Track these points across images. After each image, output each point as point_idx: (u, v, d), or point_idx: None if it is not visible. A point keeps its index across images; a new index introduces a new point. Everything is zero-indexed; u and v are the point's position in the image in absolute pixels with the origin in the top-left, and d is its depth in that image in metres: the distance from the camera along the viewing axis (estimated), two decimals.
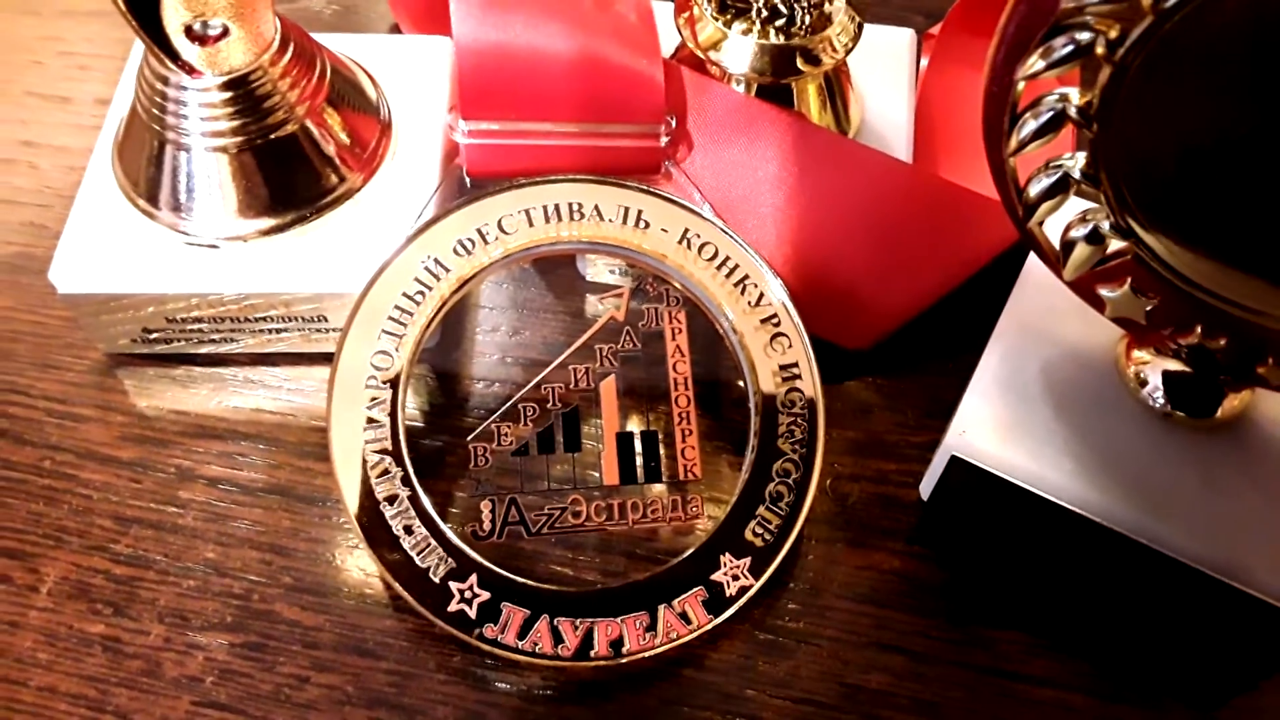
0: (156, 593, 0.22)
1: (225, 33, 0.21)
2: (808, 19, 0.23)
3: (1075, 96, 0.19)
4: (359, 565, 0.22)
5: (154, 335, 0.25)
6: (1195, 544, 0.20)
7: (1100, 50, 0.18)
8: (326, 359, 0.24)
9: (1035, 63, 0.19)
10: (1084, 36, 0.18)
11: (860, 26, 0.24)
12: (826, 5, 0.24)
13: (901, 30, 0.28)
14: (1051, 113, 0.19)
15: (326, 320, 0.24)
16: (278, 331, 0.25)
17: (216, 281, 0.23)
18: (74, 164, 0.28)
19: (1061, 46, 0.18)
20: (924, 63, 0.29)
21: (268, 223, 0.24)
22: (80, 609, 0.22)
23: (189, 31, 0.21)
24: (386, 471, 0.21)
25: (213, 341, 0.25)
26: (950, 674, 0.22)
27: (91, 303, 0.24)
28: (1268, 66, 0.17)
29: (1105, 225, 0.20)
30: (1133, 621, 0.22)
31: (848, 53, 0.24)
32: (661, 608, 0.21)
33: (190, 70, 0.22)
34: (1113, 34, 0.18)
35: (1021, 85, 0.19)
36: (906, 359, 0.25)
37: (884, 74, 0.27)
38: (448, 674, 0.21)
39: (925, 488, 0.23)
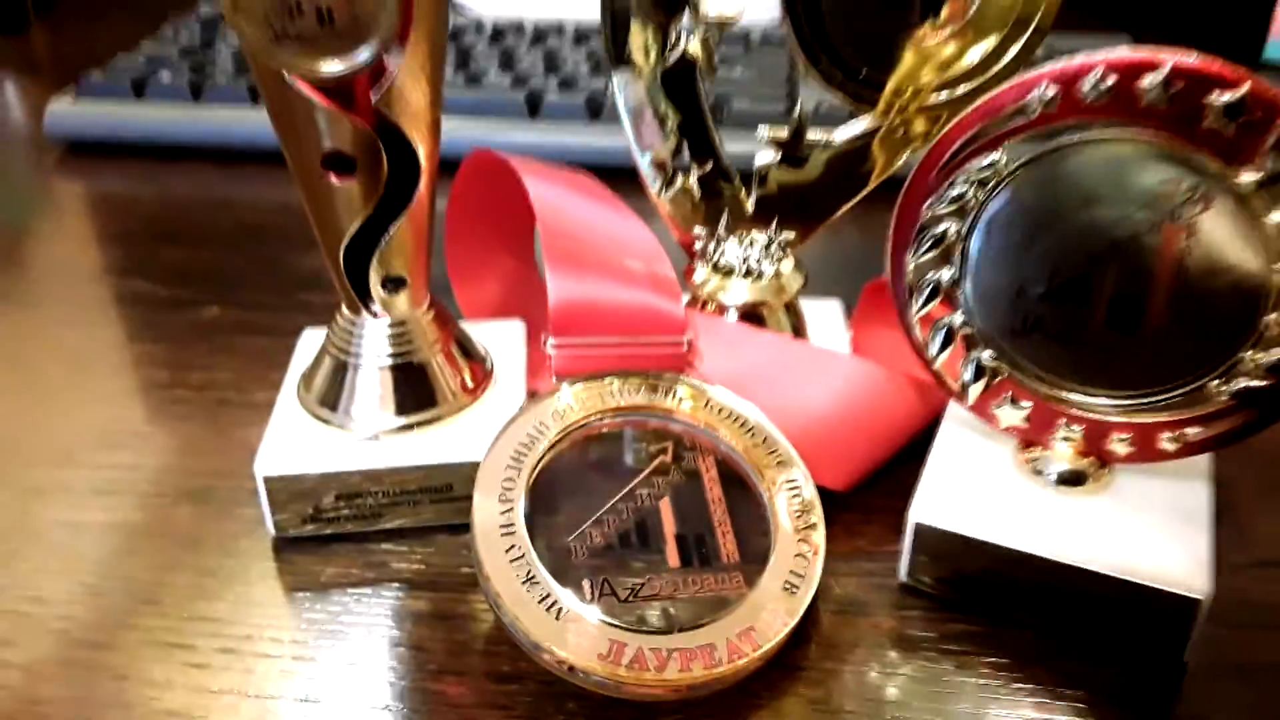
0: None
1: (402, 284, 0.33)
2: (773, 272, 0.36)
3: (946, 272, 0.31)
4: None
5: (326, 514, 0.33)
6: (1089, 556, 0.29)
7: (952, 237, 0.30)
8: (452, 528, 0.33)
9: (912, 255, 0.31)
10: (939, 230, 0.30)
11: (806, 277, 0.37)
12: (783, 266, 0.36)
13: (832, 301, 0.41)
14: (931, 285, 0.31)
15: (453, 489, 0.33)
16: (414, 503, 0.33)
17: (377, 460, 0.33)
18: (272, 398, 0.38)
19: (927, 240, 0.30)
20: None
21: (411, 419, 0.34)
22: None
23: (383, 283, 0.32)
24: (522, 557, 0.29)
25: (377, 517, 0.33)
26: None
27: (284, 485, 0.32)
28: (1054, 234, 0.29)
29: (985, 357, 0.31)
30: (1066, 618, 0.30)
31: (798, 293, 0.36)
32: (723, 639, 0.28)
33: (374, 315, 0.33)
34: (959, 227, 0.30)
35: (911, 269, 0.31)
36: (878, 492, 0.35)
37: (826, 320, 0.40)
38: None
39: (901, 570, 0.32)
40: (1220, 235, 0.27)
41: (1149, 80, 0.26)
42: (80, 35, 0.81)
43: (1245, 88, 0.25)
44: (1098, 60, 0.26)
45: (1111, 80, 0.26)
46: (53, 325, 0.46)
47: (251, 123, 0.60)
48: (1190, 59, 0.26)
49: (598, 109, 0.58)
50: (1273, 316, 0.27)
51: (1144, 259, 0.28)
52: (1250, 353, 0.28)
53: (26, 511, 0.35)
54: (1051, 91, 0.27)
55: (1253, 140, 0.26)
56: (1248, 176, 0.26)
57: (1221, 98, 0.25)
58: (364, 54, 0.27)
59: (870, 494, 0.35)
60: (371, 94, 0.29)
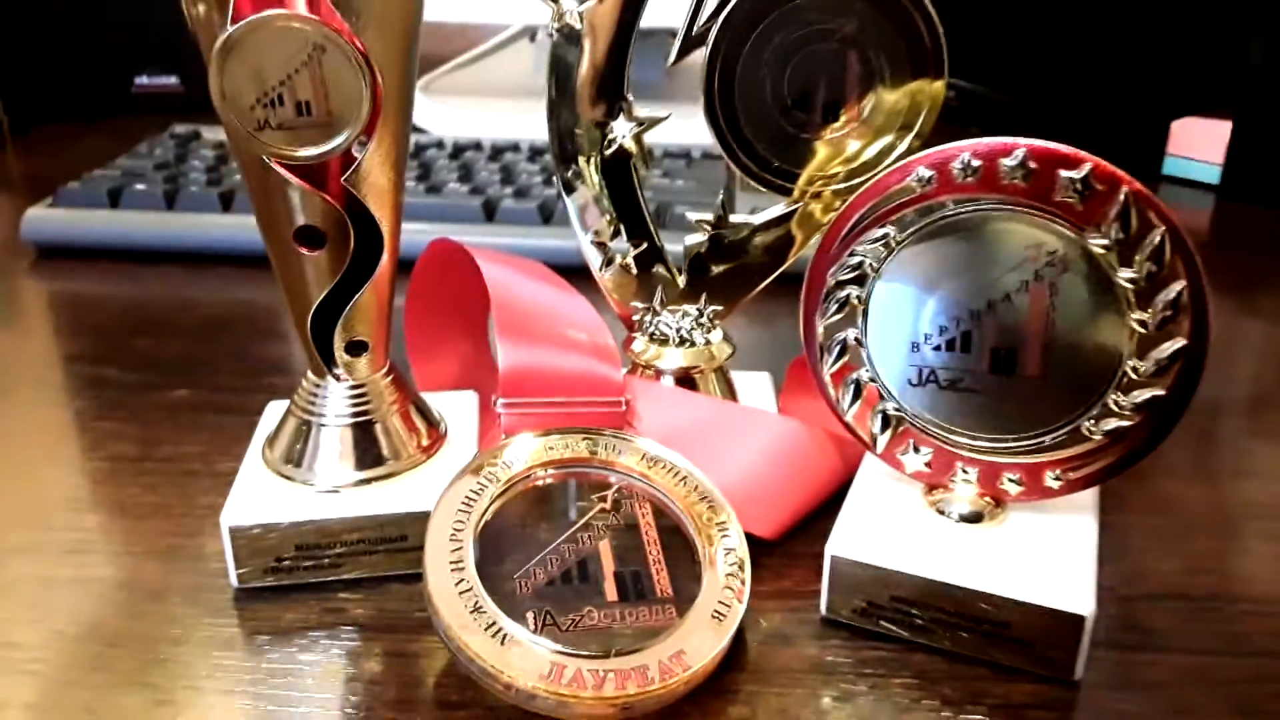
0: None
1: (364, 348, 0.36)
2: (703, 341, 0.40)
3: (851, 332, 0.35)
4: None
5: (286, 563, 0.35)
6: (987, 582, 0.32)
7: (854, 301, 0.34)
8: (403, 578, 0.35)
9: (821, 318, 0.35)
10: (843, 294, 0.34)
11: (734, 346, 0.40)
12: (712, 335, 0.40)
13: (762, 374, 0.45)
14: (839, 345, 0.35)
15: (406, 539, 0.36)
16: (370, 553, 0.36)
17: (335, 511, 0.35)
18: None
19: (833, 304, 0.34)
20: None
21: (369, 474, 0.36)
22: None
23: (346, 347, 0.35)
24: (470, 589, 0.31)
25: (334, 567, 0.35)
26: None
27: (247, 535, 0.35)
28: (940, 295, 0.33)
29: (889, 409, 0.35)
30: (971, 640, 0.32)
31: (727, 360, 0.40)
32: (655, 660, 0.30)
33: (337, 378, 0.36)
34: (859, 292, 0.34)
35: (821, 330, 0.35)
36: (803, 540, 0.38)
37: (756, 390, 0.43)
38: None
39: (822, 604, 0.34)
40: (1080, 293, 0.31)
41: (1008, 161, 0.30)
42: (55, 155, 0.86)
43: (1088, 166, 0.30)
44: (965, 146, 0.31)
45: (977, 163, 0.31)
46: (28, 405, 0.48)
47: (221, 227, 0.64)
48: (1041, 143, 0.30)
49: (549, 214, 0.63)
50: (1132, 362, 0.31)
51: (1017, 316, 0.32)
52: (1116, 395, 0.32)
53: (2, 568, 0.37)
54: (928, 173, 0.32)
55: (1099, 210, 0.30)
56: (1098, 241, 0.30)
57: (1069, 174, 0.30)
58: (337, 141, 0.31)
59: (795, 541, 0.38)
60: (341, 176, 0.33)
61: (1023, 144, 0.30)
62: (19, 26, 0.90)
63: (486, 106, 0.87)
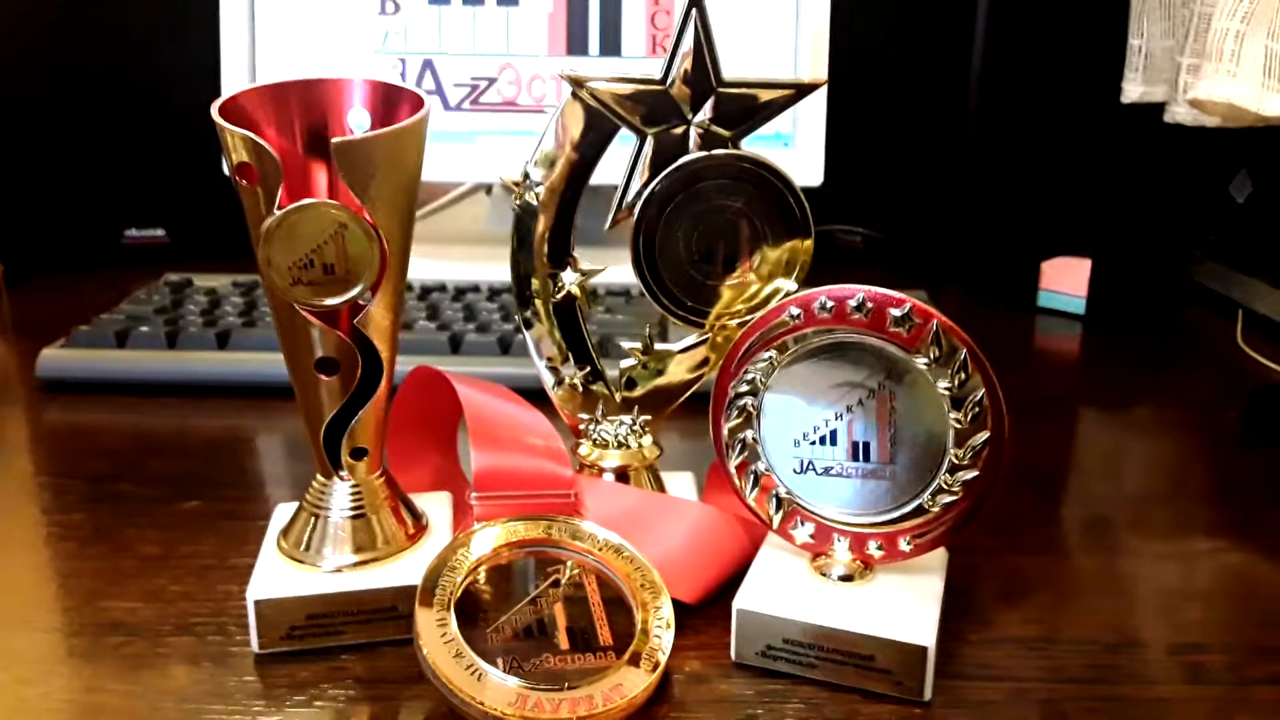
0: None
1: (364, 454, 0.45)
2: (636, 445, 0.49)
3: (749, 432, 0.44)
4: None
5: (298, 632, 0.43)
6: (855, 623, 0.41)
7: (751, 408, 0.44)
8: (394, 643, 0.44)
9: (725, 422, 0.45)
10: (741, 403, 0.44)
11: (661, 449, 0.50)
12: (644, 440, 0.50)
13: (686, 473, 0.55)
14: (740, 443, 0.45)
15: (396, 609, 0.44)
16: (367, 622, 0.44)
17: (340, 586, 0.43)
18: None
19: (734, 411, 0.44)
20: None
21: (366, 557, 0.45)
22: None
23: (351, 453, 0.45)
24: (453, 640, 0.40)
25: (337, 634, 0.43)
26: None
27: (268, 607, 0.43)
28: (812, 400, 0.43)
29: (781, 493, 0.45)
30: (845, 672, 0.41)
31: (656, 459, 0.50)
32: (599, 692, 0.39)
33: (341, 478, 0.45)
34: (754, 401, 0.44)
35: (726, 432, 0.45)
36: (718, 605, 0.46)
37: (681, 486, 0.53)
38: None
39: (732, 652, 0.43)
40: (912, 398, 0.42)
41: (852, 302, 0.41)
42: (54, 302, 0.94)
43: (909, 305, 0.41)
44: (821, 291, 0.42)
45: (830, 303, 0.42)
46: (60, 512, 0.56)
47: (217, 363, 0.73)
48: (876, 289, 0.41)
49: (507, 346, 0.73)
50: (954, 451, 0.41)
51: (869, 417, 0.42)
52: (946, 476, 0.42)
53: (51, 644, 0.44)
54: (797, 311, 0.42)
55: (919, 336, 0.41)
56: (920, 360, 0.41)
57: (895, 311, 0.41)
58: (352, 294, 0.41)
59: (712, 606, 0.46)
60: (353, 319, 0.42)
61: (861, 290, 0.41)
62: (16, 184, 1.00)
63: (448, 253, 0.98)
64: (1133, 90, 0.93)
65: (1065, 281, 0.92)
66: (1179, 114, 0.88)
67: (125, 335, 0.75)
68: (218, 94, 0.41)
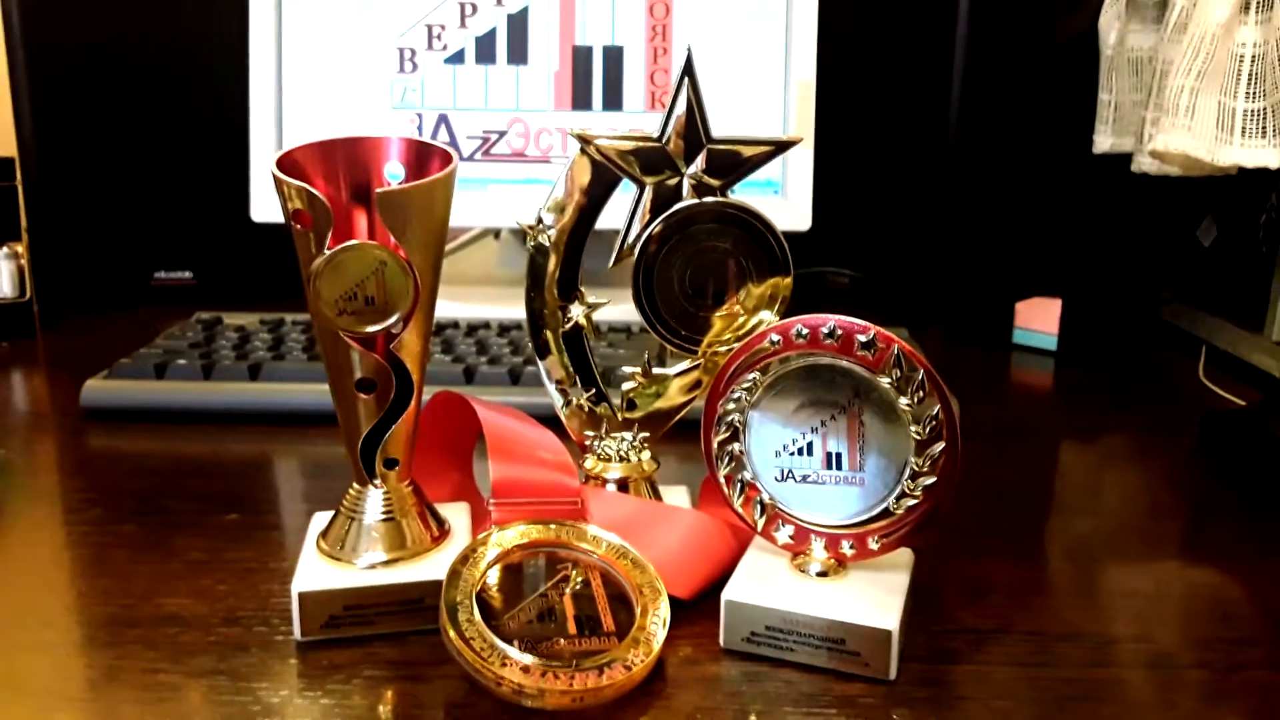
0: None
1: (396, 464, 0.51)
2: (636, 459, 0.55)
3: (736, 445, 0.50)
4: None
5: (336, 621, 0.49)
6: (830, 611, 0.46)
7: (738, 424, 0.50)
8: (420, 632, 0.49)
9: (715, 436, 0.50)
10: (729, 419, 0.50)
11: (658, 462, 0.56)
12: (642, 455, 0.56)
13: (681, 487, 0.60)
14: (728, 455, 0.51)
15: (424, 601, 0.49)
16: (397, 613, 0.49)
17: (373, 580, 0.49)
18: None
19: (723, 426, 0.50)
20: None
21: (396, 555, 0.50)
22: None
23: (384, 463, 0.50)
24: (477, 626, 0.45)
25: (370, 624, 0.49)
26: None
27: (311, 598, 0.48)
28: (791, 416, 0.49)
29: (765, 499, 0.50)
30: (818, 655, 0.47)
31: (653, 472, 0.55)
32: (605, 667, 0.44)
33: (375, 486, 0.51)
34: (740, 417, 0.50)
35: (715, 445, 0.51)
36: (710, 600, 0.52)
37: (677, 498, 0.58)
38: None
39: (721, 639, 0.48)
40: (878, 414, 0.48)
41: (825, 329, 0.47)
42: (88, 340, 1.01)
43: (873, 332, 0.47)
44: (797, 320, 0.48)
45: (805, 330, 0.48)
46: (107, 524, 0.62)
47: (250, 393, 0.79)
48: (844, 318, 0.47)
49: (517, 377, 0.79)
50: (914, 460, 0.47)
51: (841, 429, 0.48)
52: (908, 482, 0.48)
53: (114, 634, 0.50)
54: (777, 338, 0.48)
55: (882, 359, 0.47)
56: (884, 380, 0.47)
57: (861, 337, 0.47)
58: (389, 322, 0.47)
59: (705, 602, 0.52)
60: (388, 344, 0.48)
61: (832, 318, 0.47)
62: (50, 227, 1.06)
63: (461, 294, 1.04)
64: (1103, 141, 1.00)
65: (1038, 320, 0.99)
66: (1144, 164, 0.95)
67: (164, 368, 0.81)
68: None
